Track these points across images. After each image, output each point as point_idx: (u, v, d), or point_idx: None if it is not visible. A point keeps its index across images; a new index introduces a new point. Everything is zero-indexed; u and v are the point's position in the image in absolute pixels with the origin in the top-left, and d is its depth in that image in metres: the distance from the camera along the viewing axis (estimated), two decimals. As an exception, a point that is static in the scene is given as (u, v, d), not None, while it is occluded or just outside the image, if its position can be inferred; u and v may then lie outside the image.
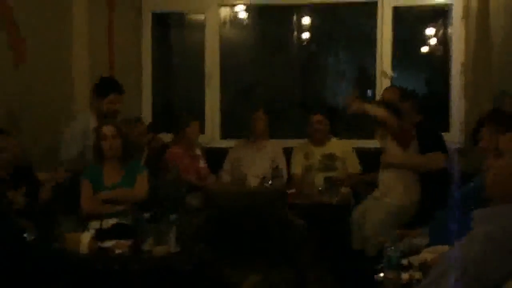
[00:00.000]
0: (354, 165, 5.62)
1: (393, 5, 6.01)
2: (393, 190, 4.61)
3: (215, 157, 5.82)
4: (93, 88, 4.86)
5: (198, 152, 5.68)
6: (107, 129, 4.31)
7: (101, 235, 3.62)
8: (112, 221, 3.91)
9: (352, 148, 5.69)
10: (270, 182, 5.26)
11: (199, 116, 6.11)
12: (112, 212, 4.04)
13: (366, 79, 6.53)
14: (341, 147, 5.66)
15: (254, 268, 3.78)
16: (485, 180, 2.13)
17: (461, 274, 1.88)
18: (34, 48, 4.78)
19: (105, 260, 3.40)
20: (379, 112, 4.59)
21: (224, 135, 6.39)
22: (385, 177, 4.72)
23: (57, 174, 4.30)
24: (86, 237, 3.49)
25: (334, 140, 5.73)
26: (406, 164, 4.62)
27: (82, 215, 4.09)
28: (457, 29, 5.86)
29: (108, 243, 3.54)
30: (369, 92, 6.32)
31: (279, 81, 6.85)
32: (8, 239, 3.04)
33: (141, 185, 4.31)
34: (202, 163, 5.64)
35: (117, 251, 3.47)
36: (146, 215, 3.70)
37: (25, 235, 3.39)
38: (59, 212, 3.84)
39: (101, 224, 3.84)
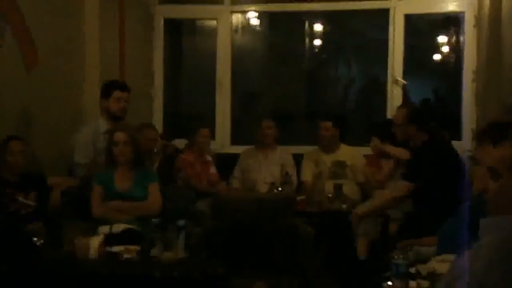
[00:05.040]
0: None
1: (404, 13, 6.00)
2: None
3: (226, 163, 5.83)
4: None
5: (209, 158, 5.69)
6: (119, 136, 4.31)
7: (110, 240, 3.63)
8: (122, 226, 3.91)
9: (363, 155, 5.66)
10: (280, 189, 5.26)
11: (210, 122, 6.13)
12: (121, 219, 4.05)
13: (376, 86, 6.52)
14: (351, 155, 5.64)
15: (261, 276, 3.78)
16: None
17: (466, 285, 1.86)
18: (46, 54, 4.81)
19: (113, 265, 3.41)
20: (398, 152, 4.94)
21: (235, 141, 6.40)
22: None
23: (66, 180, 4.32)
24: (95, 242, 3.50)
25: (344, 147, 5.70)
26: (377, 209, 4.64)
27: (91, 219, 4.10)
28: (469, 37, 5.84)
29: (117, 248, 3.55)
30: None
31: (289, 88, 6.85)
32: (16, 244, 3.06)
33: (155, 198, 4.29)
34: (212, 169, 5.66)
35: (126, 256, 3.49)
36: (155, 220, 3.71)
37: (34, 239, 3.41)
38: (68, 217, 3.86)
39: (110, 229, 3.85)
